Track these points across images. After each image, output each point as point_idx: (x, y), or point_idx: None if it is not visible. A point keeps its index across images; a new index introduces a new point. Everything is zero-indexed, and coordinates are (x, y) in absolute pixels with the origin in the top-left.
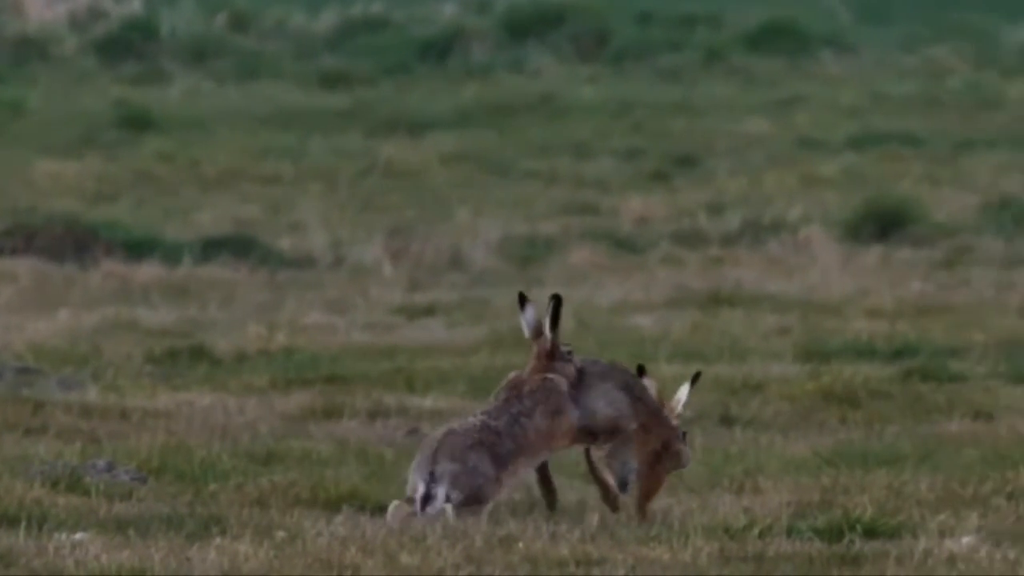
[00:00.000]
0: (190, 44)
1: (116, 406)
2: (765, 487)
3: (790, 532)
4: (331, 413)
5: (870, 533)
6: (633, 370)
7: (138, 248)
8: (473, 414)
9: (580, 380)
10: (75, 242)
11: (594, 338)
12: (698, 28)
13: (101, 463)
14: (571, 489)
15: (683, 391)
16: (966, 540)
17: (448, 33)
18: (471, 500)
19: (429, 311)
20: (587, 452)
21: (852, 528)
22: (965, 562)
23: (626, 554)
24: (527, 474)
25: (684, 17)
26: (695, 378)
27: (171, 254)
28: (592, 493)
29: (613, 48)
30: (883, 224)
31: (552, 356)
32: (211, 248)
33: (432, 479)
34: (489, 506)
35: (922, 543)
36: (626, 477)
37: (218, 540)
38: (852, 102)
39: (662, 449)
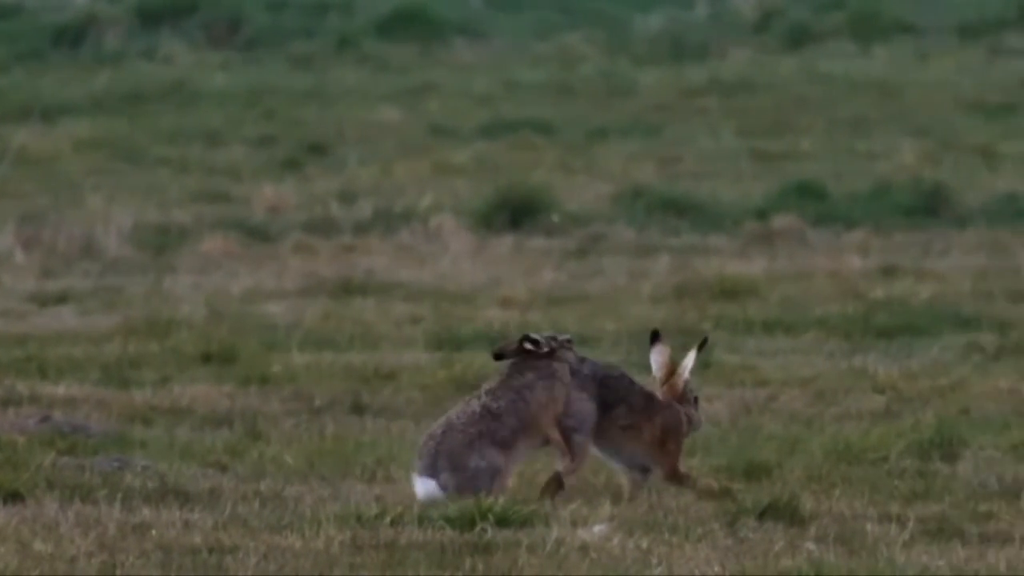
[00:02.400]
0: None
1: None
2: (397, 476)
3: (422, 521)
4: None
5: (502, 522)
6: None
7: None
8: (475, 395)
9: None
10: None
11: (227, 326)
12: (330, 15)
13: None
14: (204, 477)
15: (690, 357)
16: (598, 529)
17: (81, 20)
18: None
19: (61, 299)
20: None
21: (484, 517)
22: (597, 551)
23: (258, 542)
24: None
25: (316, 4)
26: (702, 344)
27: None
28: (226, 481)
29: (245, 35)
30: (515, 213)
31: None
32: None
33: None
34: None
35: (554, 532)
36: (637, 464)
37: None
38: (484, 90)
39: (663, 434)
